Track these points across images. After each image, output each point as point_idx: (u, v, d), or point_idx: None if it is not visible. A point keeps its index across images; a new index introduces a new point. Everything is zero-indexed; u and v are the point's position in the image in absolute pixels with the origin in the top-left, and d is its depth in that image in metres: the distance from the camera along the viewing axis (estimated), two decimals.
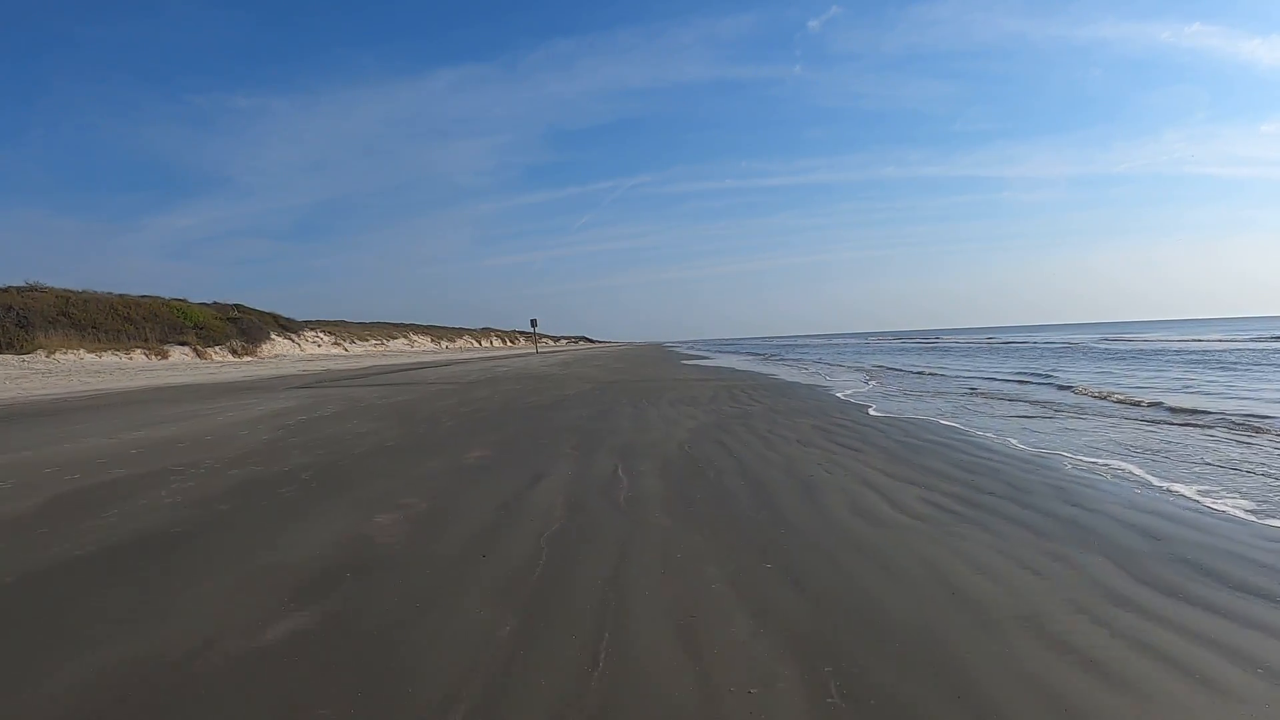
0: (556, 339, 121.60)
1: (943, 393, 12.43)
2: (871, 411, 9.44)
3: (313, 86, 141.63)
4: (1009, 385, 14.19)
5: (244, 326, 46.16)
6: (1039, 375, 16.56)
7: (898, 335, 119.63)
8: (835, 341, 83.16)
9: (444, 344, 67.80)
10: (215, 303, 50.67)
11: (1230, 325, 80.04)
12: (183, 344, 40.43)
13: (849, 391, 12.89)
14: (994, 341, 51.47)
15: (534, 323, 55.09)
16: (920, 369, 21.06)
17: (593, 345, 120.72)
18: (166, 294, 48.47)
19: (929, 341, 60.44)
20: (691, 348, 73.65)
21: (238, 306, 51.12)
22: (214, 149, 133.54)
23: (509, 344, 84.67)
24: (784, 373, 19.93)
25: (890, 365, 23.88)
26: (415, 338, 64.97)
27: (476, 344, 76.56)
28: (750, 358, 36.43)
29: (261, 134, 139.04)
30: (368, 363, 41.29)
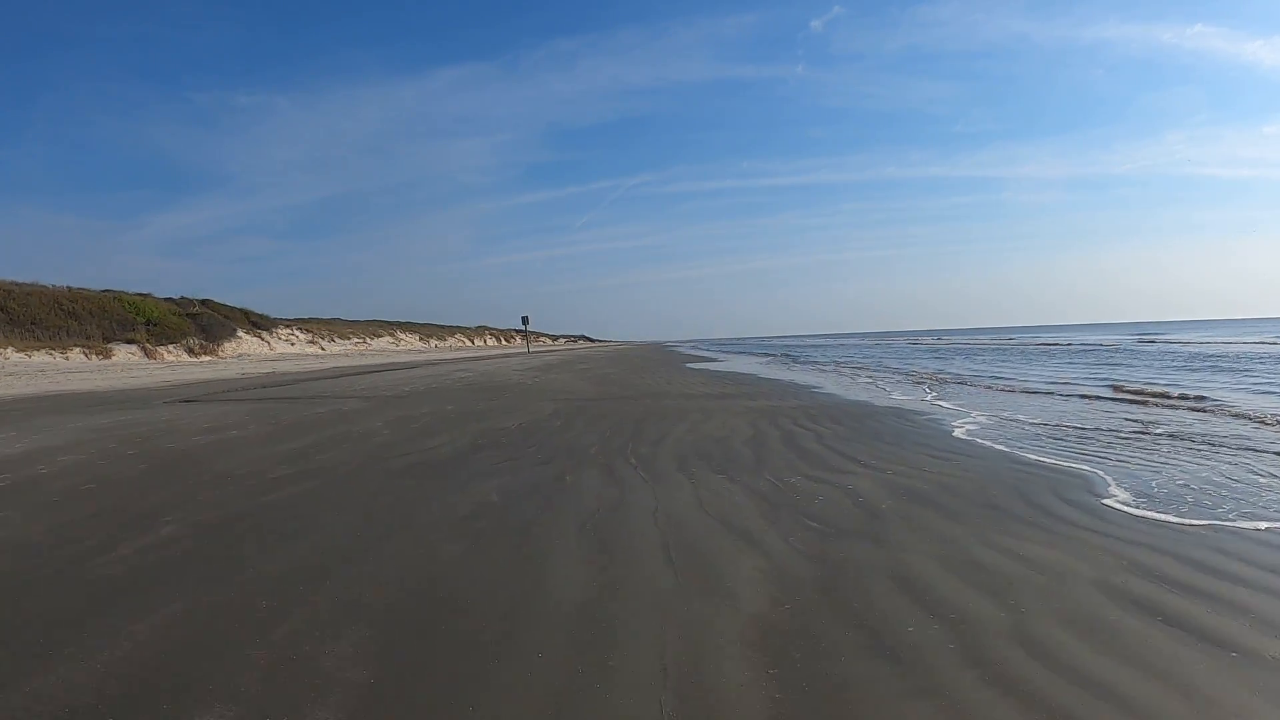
0: (555, 338, 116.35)
1: (1111, 432, 7.10)
2: (1115, 500, 4.10)
3: (315, 85, 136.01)
4: (1145, 408, 9.15)
5: (204, 323, 41.15)
6: (1157, 391, 11.37)
7: (903, 335, 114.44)
8: (843, 342, 77.39)
9: (433, 343, 62.66)
10: (182, 298, 46.01)
11: (1262, 326, 74.50)
12: (130, 342, 35.43)
13: (970, 429, 7.51)
14: (1017, 343, 46.14)
15: (525, 320, 49.44)
16: (976, 377, 15.85)
17: (592, 345, 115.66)
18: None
19: (948, 343, 55.08)
20: (694, 347, 68.19)
21: (205, 302, 46.45)
22: (216, 147, 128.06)
23: (504, 343, 79.47)
24: (828, 384, 14.52)
25: (936, 372, 18.63)
26: (403, 336, 59.87)
27: (469, 343, 71.38)
28: (765, 360, 31.09)
29: (263, 132, 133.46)
30: (335, 363, 36.30)
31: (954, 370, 19.68)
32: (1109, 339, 48.60)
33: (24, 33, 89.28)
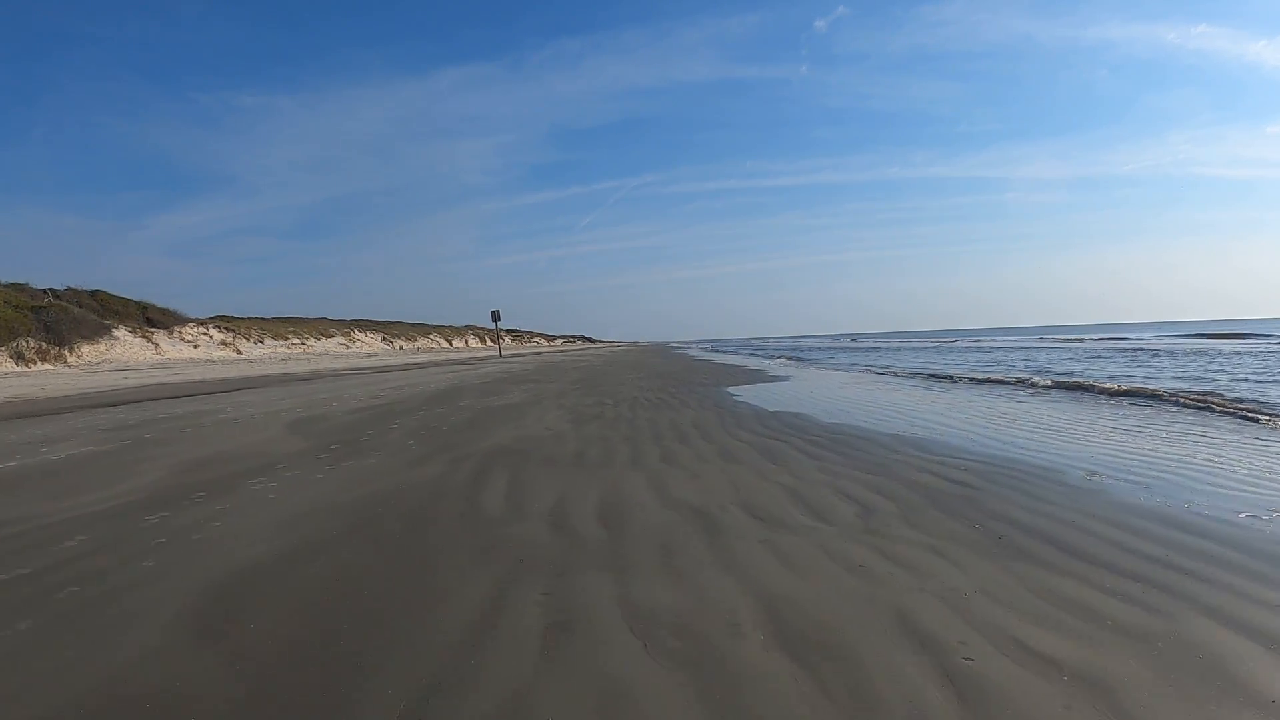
0: (552, 338, 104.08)
1: None
2: None
3: (318, 85, 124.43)
4: None
5: (49, 320, 28.49)
6: None
7: (909, 337, 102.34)
8: (861, 345, 64.75)
9: (398, 344, 50.48)
10: (69, 289, 33.89)
11: None
12: None
13: None
14: (1099, 346, 34.26)
15: (496, 316, 37.18)
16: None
17: (591, 345, 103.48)
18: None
19: (994, 343, 42.95)
20: (703, 349, 55.85)
21: (95, 294, 34.25)
22: (219, 148, 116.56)
23: (488, 343, 67.35)
24: None
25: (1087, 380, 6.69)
26: (360, 336, 47.68)
27: (445, 344, 59.23)
28: (857, 373, 18.82)
29: (266, 133, 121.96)
30: (225, 373, 24.30)
31: (1098, 372, 7.94)
32: (1189, 343, 36.38)
33: (26, 32, 78.19)
